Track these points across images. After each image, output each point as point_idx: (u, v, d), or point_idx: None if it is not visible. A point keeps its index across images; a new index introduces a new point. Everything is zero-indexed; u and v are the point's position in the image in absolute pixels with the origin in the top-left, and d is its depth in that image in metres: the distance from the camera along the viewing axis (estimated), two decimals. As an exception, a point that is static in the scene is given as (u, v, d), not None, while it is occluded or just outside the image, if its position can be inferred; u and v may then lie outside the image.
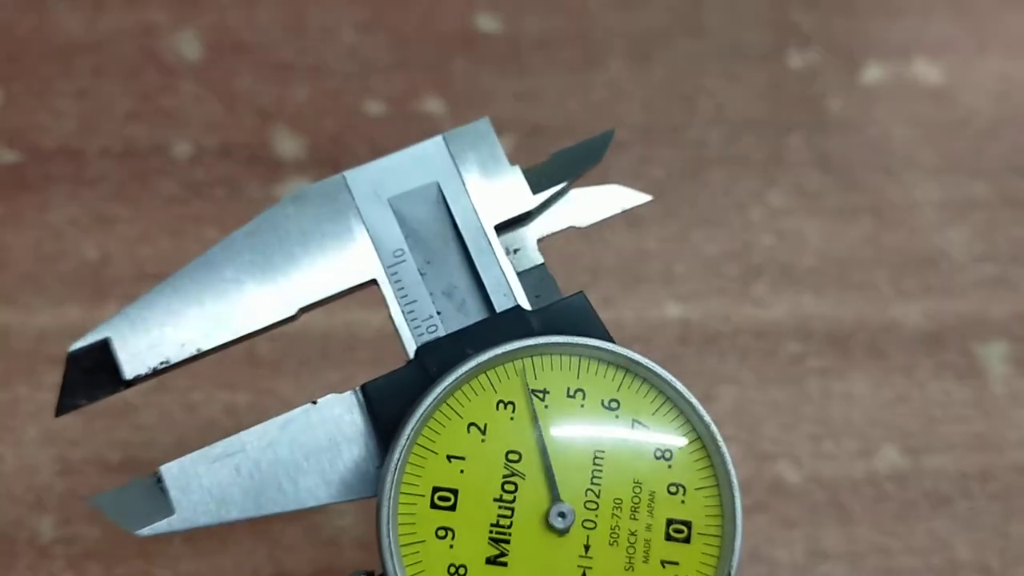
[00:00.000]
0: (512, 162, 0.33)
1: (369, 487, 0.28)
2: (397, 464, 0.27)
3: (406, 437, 0.27)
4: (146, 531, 0.27)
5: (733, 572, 0.27)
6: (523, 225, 0.32)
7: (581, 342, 0.29)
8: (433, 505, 0.27)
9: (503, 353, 0.28)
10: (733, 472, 0.28)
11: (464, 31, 0.60)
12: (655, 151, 0.56)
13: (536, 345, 0.28)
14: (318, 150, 0.54)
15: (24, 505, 0.43)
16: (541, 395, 0.28)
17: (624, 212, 0.36)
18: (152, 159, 0.53)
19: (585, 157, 0.34)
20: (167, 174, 0.53)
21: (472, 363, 0.28)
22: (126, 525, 0.27)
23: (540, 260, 0.32)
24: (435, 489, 0.27)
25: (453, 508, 0.27)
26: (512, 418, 0.28)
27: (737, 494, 0.28)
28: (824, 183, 0.56)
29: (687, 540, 0.27)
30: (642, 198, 0.35)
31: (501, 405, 0.28)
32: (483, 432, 0.28)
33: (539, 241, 0.33)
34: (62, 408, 0.29)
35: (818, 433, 0.48)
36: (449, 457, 0.27)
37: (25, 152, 0.53)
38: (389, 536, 0.26)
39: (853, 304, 0.52)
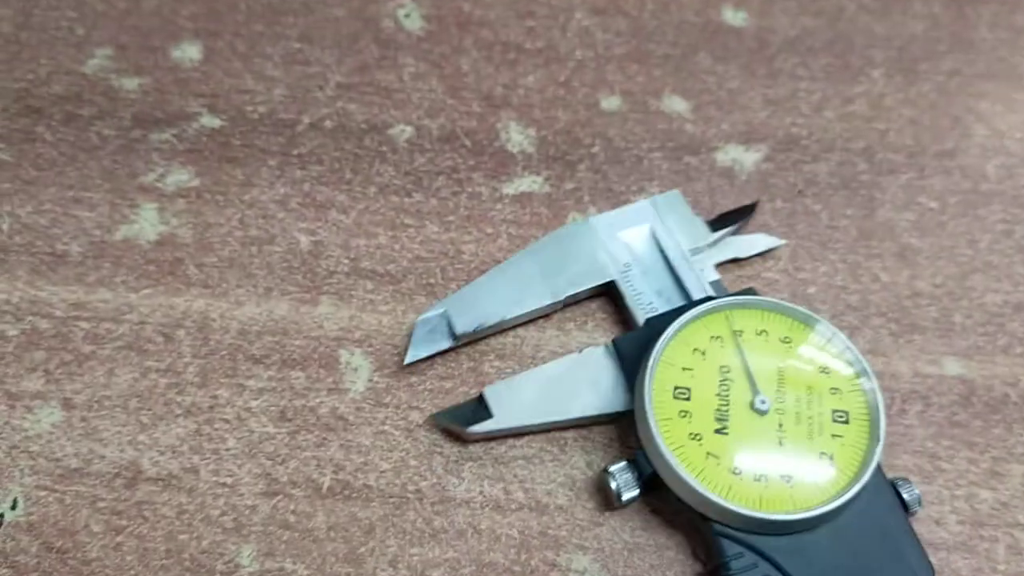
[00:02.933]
0: (697, 213, 0.46)
1: (620, 402, 0.40)
2: (651, 369, 0.39)
3: (657, 352, 0.39)
4: (475, 428, 0.39)
5: (881, 439, 0.38)
6: (704, 253, 0.45)
7: (764, 300, 0.42)
8: (674, 397, 0.39)
9: (714, 305, 0.41)
10: (877, 386, 0.39)
11: (708, 23, 0.54)
12: (926, 179, 0.49)
13: (735, 300, 0.42)
14: (548, 145, 0.48)
15: (222, 529, 0.38)
16: (739, 333, 0.41)
17: (769, 251, 0.46)
18: (368, 139, 0.47)
19: (741, 215, 0.46)
20: (385, 159, 0.47)
21: (696, 310, 0.41)
22: (462, 425, 0.39)
23: (717, 277, 0.44)
24: (675, 387, 0.39)
25: (688, 399, 0.39)
26: (722, 346, 0.40)
27: (879, 392, 0.39)
28: (1118, 233, 0.49)
29: (847, 422, 0.39)
30: (777, 241, 0.46)
31: (713, 338, 0.41)
32: (703, 355, 0.40)
33: (716, 266, 0.45)
34: (412, 358, 0.41)
35: (1122, 530, 0.41)
36: (683, 368, 0.40)
37: (228, 118, 0.47)
38: (650, 414, 0.38)
39: None
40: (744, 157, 0.49)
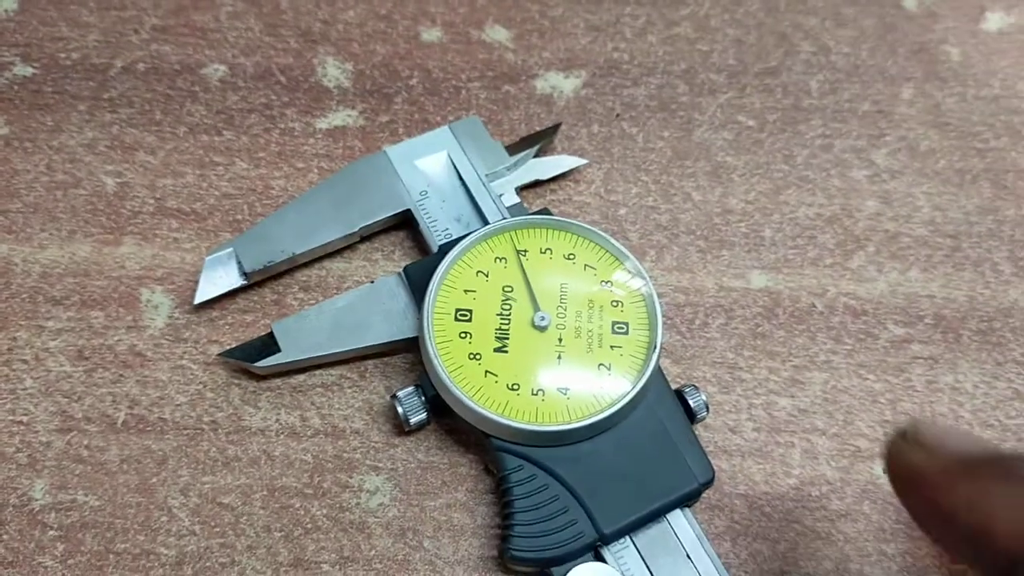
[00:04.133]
0: (495, 139, 0.46)
1: (411, 328, 0.41)
2: (433, 293, 0.40)
3: (439, 277, 0.40)
4: (262, 363, 0.39)
5: (658, 346, 0.39)
6: (504, 177, 0.45)
7: (548, 219, 0.42)
8: (456, 319, 0.39)
9: (499, 227, 0.42)
10: (655, 294, 0.40)
11: (536, -48, 0.54)
12: (746, 97, 0.50)
13: (518, 220, 0.42)
14: (365, 79, 0.48)
15: (16, 464, 0.38)
16: (523, 253, 0.41)
17: (573, 170, 0.47)
18: (180, 80, 0.47)
19: (542, 138, 0.47)
20: (196, 99, 0.47)
21: (479, 232, 0.41)
22: (249, 361, 0.39)
23: (518, 200, 0.45)
24: (457, 310, 0.40)
25: (470, 320, 0.39)
26: (505, 267, 0.41)
27: (658, 306, 0.40)
28: (938, 142, 0.49)
29: (626, 333, 0.40)
30: (580, 161, 0.47)
31: (497, 260, 0.41)
32: (487, 276, 0.41)
33: (518, 189, 0.45)
34: (202, 297, 0.41)
35: (921, 430, 0.42)
36: (465, 291, 0.40)
37: (41, 66, 0.47)
38: (430, 337, 0.39)
39: (967, 284, 0.45)
40: (563, 84, 0.49)
